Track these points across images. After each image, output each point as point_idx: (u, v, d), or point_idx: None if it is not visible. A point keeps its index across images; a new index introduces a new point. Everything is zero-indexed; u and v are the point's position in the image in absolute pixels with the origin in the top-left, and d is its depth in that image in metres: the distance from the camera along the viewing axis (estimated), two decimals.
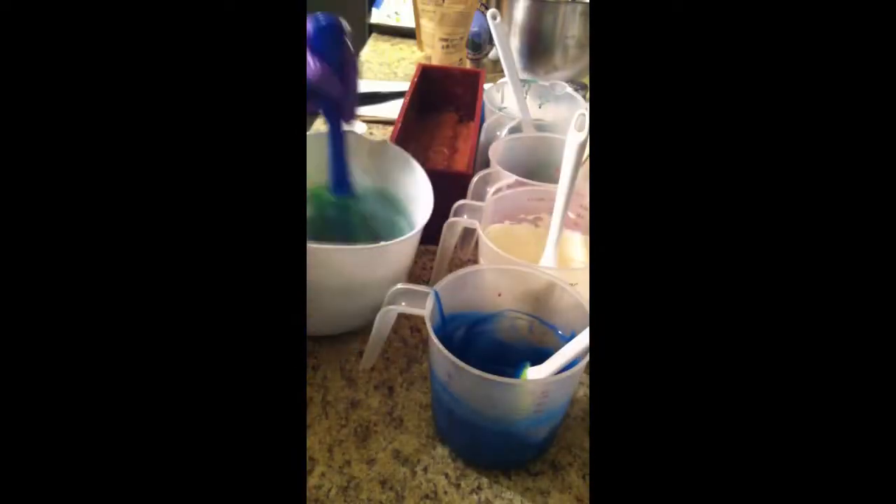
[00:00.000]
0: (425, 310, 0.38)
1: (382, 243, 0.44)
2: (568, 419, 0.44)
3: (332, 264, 0.43)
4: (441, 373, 0.38)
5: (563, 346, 0.40)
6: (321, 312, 0.47)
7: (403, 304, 0.39)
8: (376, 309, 0.49)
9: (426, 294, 0.38)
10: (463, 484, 0.40)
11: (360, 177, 0.55)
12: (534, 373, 0.39)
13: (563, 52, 0.91)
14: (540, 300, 0.43)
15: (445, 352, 0.35)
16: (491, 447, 0.40)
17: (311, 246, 0.40)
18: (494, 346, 0.44)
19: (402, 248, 0.46)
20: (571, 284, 0.46)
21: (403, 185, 0.54)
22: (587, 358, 0.36)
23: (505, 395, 0.38)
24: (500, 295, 0.43)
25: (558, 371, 0.38)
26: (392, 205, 0.56)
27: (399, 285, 0.39)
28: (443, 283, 0.39)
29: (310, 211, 0.53)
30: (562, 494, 0.40)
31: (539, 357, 0.40)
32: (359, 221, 0.54)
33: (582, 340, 0.37)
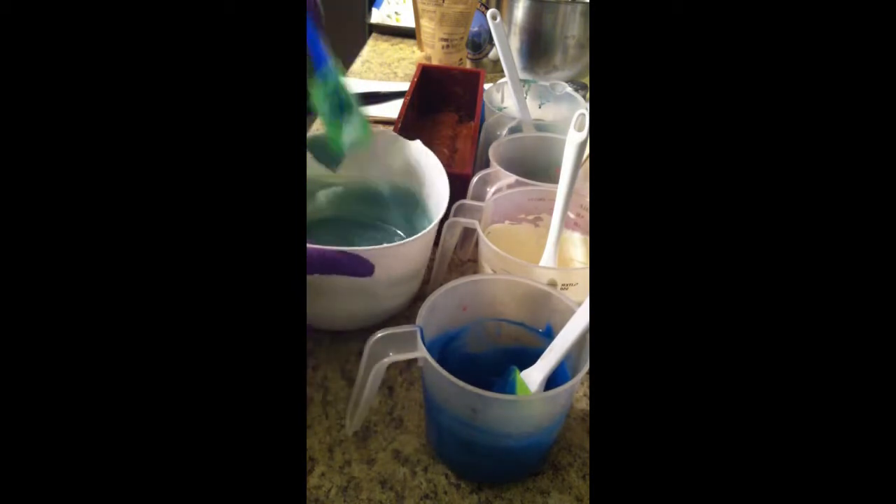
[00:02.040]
0: (418, 351, 0.35)
1: (399, 242, 0.44)
2: (568, 419, 0.44)
3: None
4: (460, 409, 0.36)
5: (539, 339, 0.39)
6: (342, 312, 0.48)
7: (391, 353, 0.36)
8: (396, 306, 0.50)
9: (413, 333, 0.36)
10: (463, 484, 0.40)
11: (389, 175, 0.57)
12: (529, 374, 0.39)
13: (563, 52, 0.91)
14: (505, 302, 0.43)
15: (469, 388, 0.33)
16: (505, 464, 0.40)
17: (331, 249, 0.40)
18: (467, 359, 0.43)
19: (418, 244, 0.46)
20: (571, 284, 0.46)
21: (426, 184, 0.55)
22: (587, 367, 0.35)
23: (527, 411, 0.37)
24: (464, 309, 0.42)
25: (555, 365, 0.38)
26: (415, 203, 0.57)
27: (378, 333, 0.36)
28: (423, 316, 0.37)
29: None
30: (562, 494, 0.39)
31: (520, 358, 0.40)
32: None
33: (570, 333, 0.37)
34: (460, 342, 0.43)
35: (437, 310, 0.39)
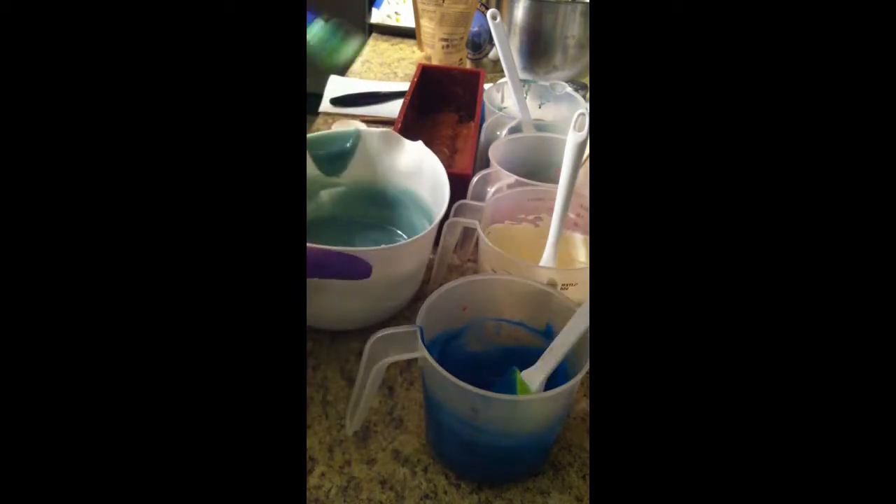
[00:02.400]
0: (418, 351, 0.35)
1: (399, 243, 0.44)
2: (568, 419, 0.44)
3: None
4: (461, 409, 0.36)
5: (539, 339, 0.39)
6: (342, 312, 0.48)
7: (391, 353, 0.35)
8: (396, 306, 0.50)
9: (413, 333, 0.36)
10: (463, 484, 0.40)
11: (391, 176, 0.58)
12: (529, 374, 0.39)
13: (563, 52, 0.91)
14: (505, 302, 0.43)
15: (469, 387, 0.33)
16: (505, 464, 0.40)
17: (332, 249, 0.41)
18: (467, 359, 0.43)
19: (418, 245, 0.46)
20: (571, 284, 0.46)
21: (427, 185, 0.55)
22: (587, 367, 0.35)
23: (527, 411, 0.37)
24: (464, 309, 0.42)
25: (556, 365, 0.38)
26: (416, 203, 0.57)
27: (378, 333, 0.36)
28: (423, 316, 0.37)
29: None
30: (562, 494, 0.39)
31: (520, 358, 0.40)
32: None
33: (570, 334, 0.37)
34: (460, 342, 0.43)
35: (437, 310, 0.39)
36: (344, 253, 0.41)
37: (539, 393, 0.38)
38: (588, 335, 0.36)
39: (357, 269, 0.42)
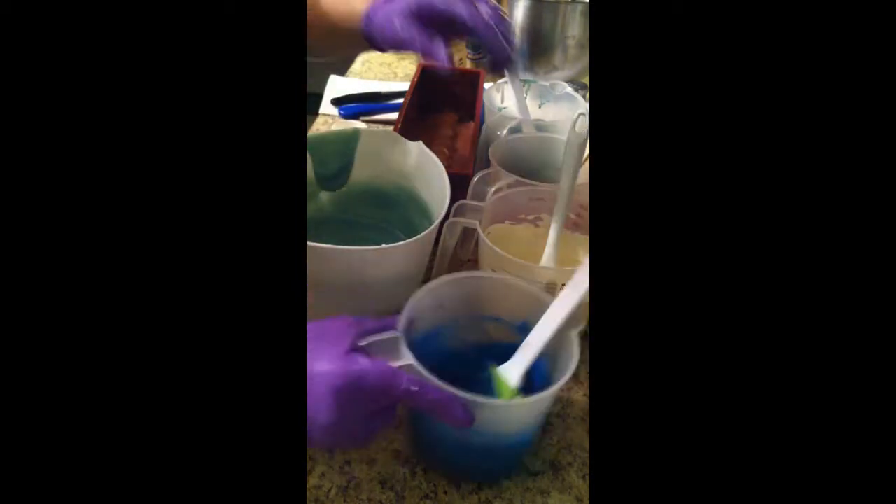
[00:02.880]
0: (403, 359, 0.34)
1: (398, 243, 0.44)
2: (568, 419, 0.44)
3: (349, 265, 0.44)
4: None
5: (515, 333, 0.39)
6: (342, 311, 0.47)
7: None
8: (395, 306, 0.50)
9: (396, 340, 0.35)
10: (463, 484, 0.40)
11: (391, 177, 0.58)
12: (507, 370, 0.38)
13: (563, 52, 0.90)
14: (482, 298, 0.43)
15: (463, 394, 0.32)
16: (498, 461, 0.40)
17: (327, 247, 0.40)
18: (446, 356, 0.42)
19: (417, 246, 0.46)
20: None
21: (427, 186, 0.55)
22: (573, 367, 0.35)
23: (527, 412, 0.37)
24: (443, 308, 0.42)
25: (533, 360, 0.38)
26: (416, 204, 0.57)
27: (362, 342, 0.35)
28: (402, 323, 0.37)
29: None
30: (562, 494, 0.39)
31: (500, 352, 0.40)
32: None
33: (546, 328, 0.37)
34: (440, 341, 0.43)
35: (417, 312, 0.39)
36: (447, 392, 0.33)
37: (517, 392, 0.38)
38: (565, 331, 0.37)
39: (454, 413, 0.33)
